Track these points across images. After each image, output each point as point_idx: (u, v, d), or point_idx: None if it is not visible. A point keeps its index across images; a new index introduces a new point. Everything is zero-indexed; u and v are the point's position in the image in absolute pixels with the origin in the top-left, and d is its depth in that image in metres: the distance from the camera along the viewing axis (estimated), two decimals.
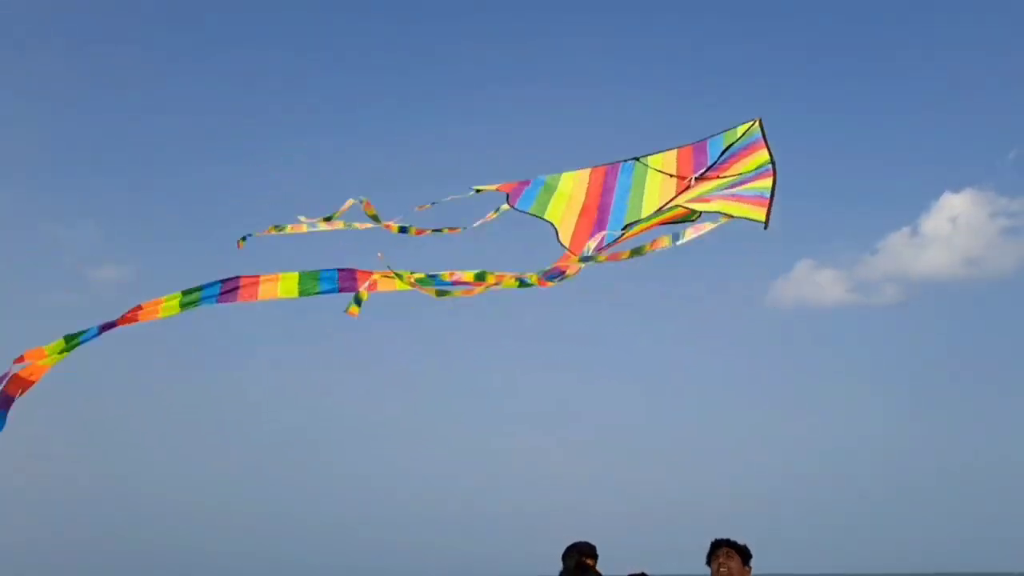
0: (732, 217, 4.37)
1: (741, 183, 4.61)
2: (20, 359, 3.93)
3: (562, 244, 5.01)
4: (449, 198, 5.26)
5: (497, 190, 5.37)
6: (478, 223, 5.23)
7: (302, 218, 5.02)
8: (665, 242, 4.25)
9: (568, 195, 5.25)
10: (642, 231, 4.68)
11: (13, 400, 3.88)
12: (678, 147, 5.21)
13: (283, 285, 4.16)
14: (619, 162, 5.32)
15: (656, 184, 5.03)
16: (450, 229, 5.20)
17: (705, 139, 5.19)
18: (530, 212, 5.27)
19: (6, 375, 3.89)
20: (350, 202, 4.93)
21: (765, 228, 4.38)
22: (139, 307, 4.14)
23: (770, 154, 4.70)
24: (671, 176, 5.01)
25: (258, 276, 4.18)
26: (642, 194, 4.98)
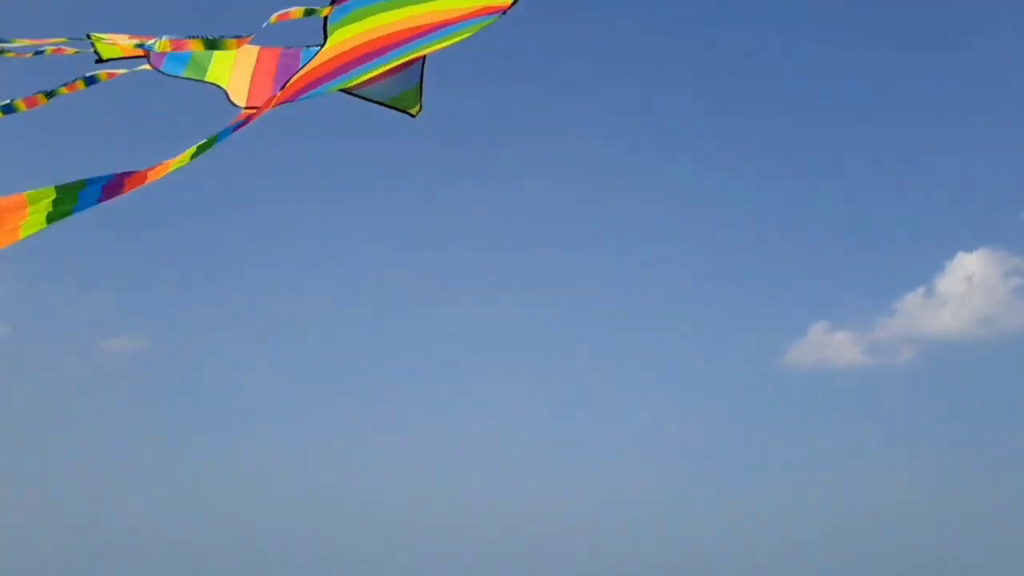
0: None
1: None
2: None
3: (235, 104, 4.34)
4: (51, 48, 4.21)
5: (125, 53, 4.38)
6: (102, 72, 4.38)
7: None
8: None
9: (233, 56, 4.45)
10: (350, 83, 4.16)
11: None
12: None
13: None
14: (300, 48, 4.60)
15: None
16: (68, 87, 4.30)
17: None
18: (184, 75, 4.47)
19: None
20: None
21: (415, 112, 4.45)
22: None
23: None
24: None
25: None
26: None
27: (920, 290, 23.56)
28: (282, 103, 3.92)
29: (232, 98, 4.40)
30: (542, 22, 24.42)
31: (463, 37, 4.04)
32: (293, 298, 23.74)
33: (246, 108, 4.19)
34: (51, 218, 3.30)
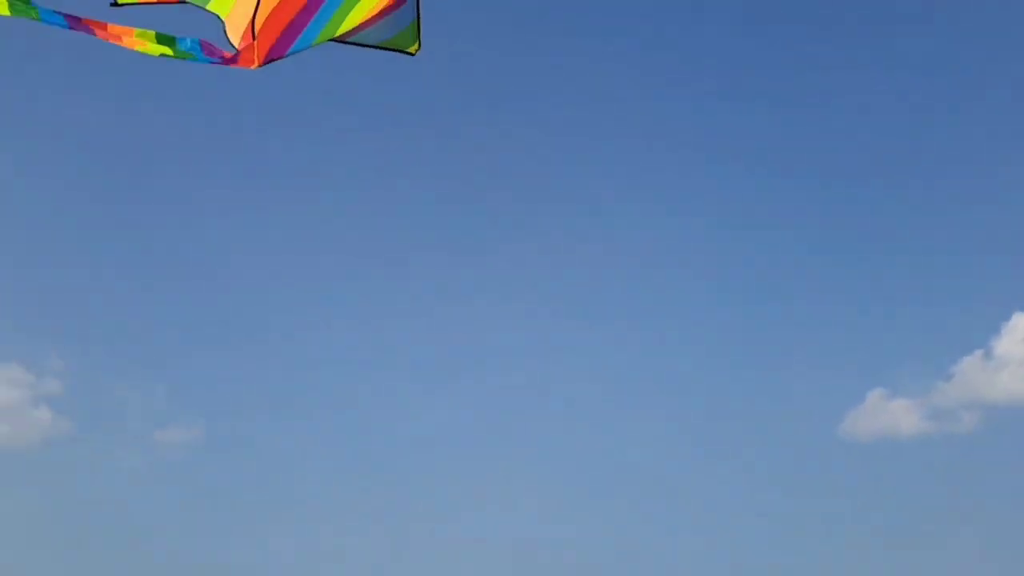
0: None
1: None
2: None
3: (230, 40, 4.23)
4: None
5: None
6: None
7: None
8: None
9: None
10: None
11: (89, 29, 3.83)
12: None
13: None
14: None
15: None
16: None
17: None
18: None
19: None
20: None
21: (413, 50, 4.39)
22: None
23: None
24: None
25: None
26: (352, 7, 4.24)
27: (978, 353, 23.03)
28: (271, 59, 4.03)
29: (228, 32, 4.32)
30: (570, 99, 24.77)
31: None
32: (346, 384, 23.87)
33: (239, 49, 4.15)
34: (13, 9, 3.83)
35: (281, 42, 4.09)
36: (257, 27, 4.01)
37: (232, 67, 4.01)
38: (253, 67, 4.01)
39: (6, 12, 3.84)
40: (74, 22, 3.93)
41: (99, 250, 23.60)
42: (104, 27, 3.94)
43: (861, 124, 25.23)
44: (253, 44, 4.03)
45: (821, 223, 24.92)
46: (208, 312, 24.16)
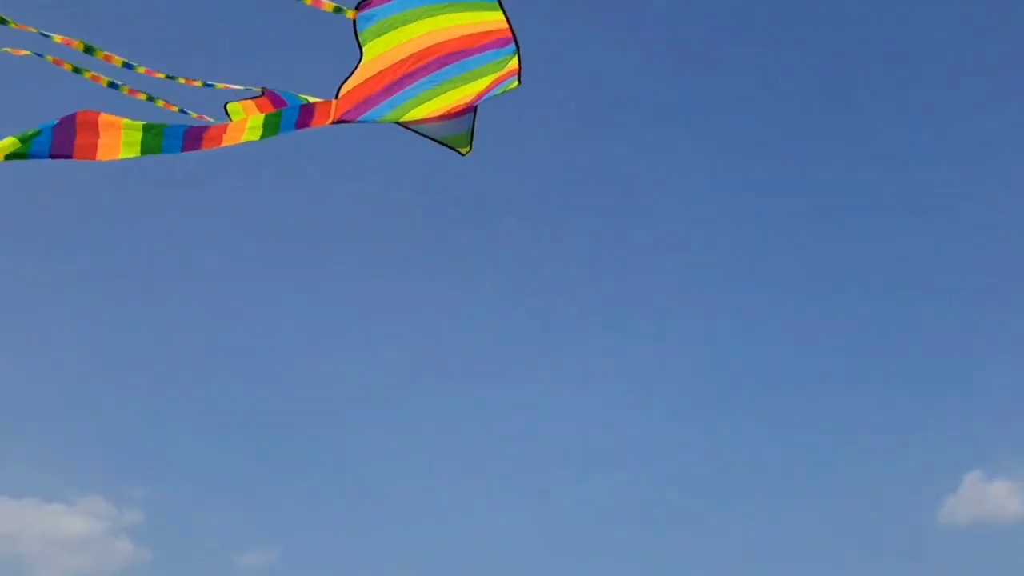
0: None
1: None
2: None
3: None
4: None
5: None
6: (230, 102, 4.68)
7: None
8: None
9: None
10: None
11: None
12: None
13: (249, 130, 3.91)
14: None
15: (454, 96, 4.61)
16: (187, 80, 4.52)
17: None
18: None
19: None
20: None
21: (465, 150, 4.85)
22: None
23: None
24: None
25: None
26: (438, 96, 4.58)
27: None
28: (342, 121, 4.34)
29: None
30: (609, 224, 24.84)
31: (486, 83, 4.51)
32: (423, 501, 23.66)
33: (317, 104, 4.42)
34: (144, 150, 3.75)
35: (357, 108, 4.41)
36: (343, 91, 4.32)
37: (308, 128, 4.24)
38: (327, 123, 4.28)
39: (136, 153, 3.78)
40: (192, 141, 3.91)
41: (178, 388, 24.04)
42: (219, 138, 3.95)
43: (950, 222, 24.91)
44: (333, 102, 4.28)
45: (910, 301, 24.46)
46: (285, 437, 24.32)
